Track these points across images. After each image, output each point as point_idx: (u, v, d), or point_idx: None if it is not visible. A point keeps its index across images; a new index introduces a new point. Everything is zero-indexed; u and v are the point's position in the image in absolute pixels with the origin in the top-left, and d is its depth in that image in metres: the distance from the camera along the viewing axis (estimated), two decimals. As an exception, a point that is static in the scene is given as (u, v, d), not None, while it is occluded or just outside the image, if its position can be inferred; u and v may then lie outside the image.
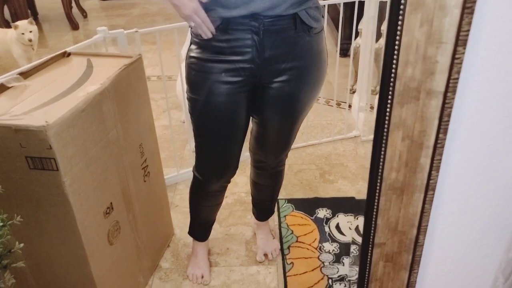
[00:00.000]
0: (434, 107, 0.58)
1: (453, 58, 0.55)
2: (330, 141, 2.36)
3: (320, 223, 1.82)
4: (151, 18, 4.74)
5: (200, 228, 1.59)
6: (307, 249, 1.70)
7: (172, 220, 1.80)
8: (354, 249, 1.68)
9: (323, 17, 1.20)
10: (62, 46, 3.86)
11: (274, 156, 1.43)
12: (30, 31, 2.89)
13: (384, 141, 0.61)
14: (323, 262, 1.64)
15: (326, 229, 1.79)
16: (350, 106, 2.65)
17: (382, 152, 0.62)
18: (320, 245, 1.71)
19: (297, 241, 1.74)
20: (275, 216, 1.85)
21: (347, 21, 3.07)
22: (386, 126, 0.59)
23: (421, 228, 0.68)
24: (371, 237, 0.69)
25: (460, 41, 0.54)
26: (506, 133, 0.63)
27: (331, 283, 1.55)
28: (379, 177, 0.64)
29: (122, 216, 1.37)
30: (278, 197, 1.83)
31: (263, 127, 1.33)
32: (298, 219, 1.85)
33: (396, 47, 0.54)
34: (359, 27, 2.76)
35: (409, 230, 0.68)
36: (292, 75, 1.17)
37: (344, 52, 3.40)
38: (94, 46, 1.66)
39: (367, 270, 0.72)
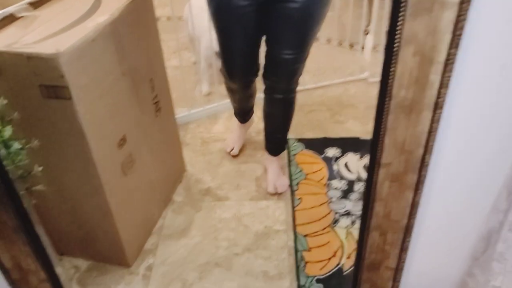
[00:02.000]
0: (448, 19, 0.57)
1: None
2: (342, 82, 2.34)
3: (329, 161, 1.84)
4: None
5: (239, 112, 1.85)
6: (316, 185, 1.74)
7: (184, 158, 1.84)
8: (361, 186, 1.71)
9: None
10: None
11: (286, 79, 1.50)
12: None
13: (394, 57, 0.61)
14: (330, 198, 1.67)
15: (335, 167, 1.81)
16: (363, 47, 2.59)
17: (392, 69, 0.62)
18: (328, 182, 1.75)
19: (305, 178, 1.77)
20: (284, 154, 1.87)
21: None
22: (397, 40, 0.59)
23: (428, 147, 0.68)
24: (378, 156, 0.70)
25: None
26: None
27: (337, 218, 1.60)
28: (388, 95, 0.64)
29: (135, 148, 1.40)
30: (288, 136, 1.85)
31: (276, 45, 1.42)
32: (307, 157, 1.87)
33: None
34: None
35: (416, 150, 0.69)
36: None
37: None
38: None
39: (373, 189, 0.74)
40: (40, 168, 0.99)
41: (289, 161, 1.86)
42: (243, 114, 1.87)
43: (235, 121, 1.92)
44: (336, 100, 2.22)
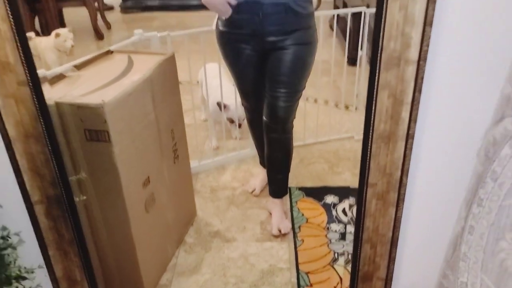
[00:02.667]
0: (411, 72, 0.79)
1: (423, 35, 0.76)
2: (338, 138, 2.57)
3: (328, 207, 2.01)
4: (171, 29, 5.02)
5: (261, 154, 2.10)
6: (316, 228, 1.90)
7: (195, 202, 2.01)
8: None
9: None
10: (89, 54, 4.14)
11: (281, 117, 1.76)
12: (71, 38, 3.18)
13: (374, 99, 0.82)
14: (330, 240, 1.83)
15: (334, 212, 1.98)
16: (356, 108, 2.85)
17: (373, 107, 0.83)
18: (327, 225, 1.91)
19: (307, 222, 1.93)
20: (287, 200, 2.05)
21: (355, 31, 3.30)
22: (376, 86, 0.80)
23: (404, 170, 0.88)
24: (366, 178, 0.89)
25: (427, 22, 0.75)
26: (466, 90, 0.84)
27: (336, 257, 1.74)
28: (371, 128, 0.85)
29: (156, 189, 1.59)
30: (290, 185, 2.05)
31: (272, 86, 1.71)
32: (308, 204, 2.05)
33: (382, 27, 0.75)
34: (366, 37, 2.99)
35: (395, 172, 0.88)
36: (287, 43, 1.62)
37: (352, 61, 3.62)
38: (131, 46, 1.90)
39: (363, 207, 0.92)
40: (84, 198, 1.17)
41: (291, 207, 2.03)
42: (262, 157, 2.10)
43: (259, 167, 2.21)
44: (333, 154, 2.43)
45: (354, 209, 1.99)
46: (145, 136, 1.48)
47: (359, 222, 0.95)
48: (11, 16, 0.71)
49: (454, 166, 0.90)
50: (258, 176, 2.20)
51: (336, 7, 4.77)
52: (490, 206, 0.78)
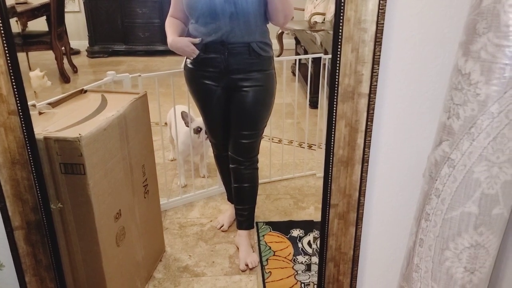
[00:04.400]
0: (363, 103, 0.91)
1: (372, 72, 0.89)
2: (303, 176, 2.69)
3: (294, 240, 2.09)
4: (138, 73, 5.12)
5: (229, 190, 2.14)
6: (283, 261, 1.96)
7: (164, 238, 2.03)
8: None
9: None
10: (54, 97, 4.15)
11: (245, 153, 1.88)
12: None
13: (333, 127, 0.93)
14: (296, 271, 1.89)
15: (299, 245, 2.06)
16: (319, 147, 3.00)
17: (333, 135, 0.94)
18: (294, 257, 1.98)
19: (274, 255, 1.99)
20: (254, 235, 2.11)
21: (315, 76, 3.52)
22: (334, 117, 0.92)
23: (361, 191, 0.98)
24: (328, 199, 0.99)
25: (375, 61, 0.88)
26: (412, 120, 0.97)
27: (303, 287, 1.80)
28: (331, 154, 0.95)
29: (127, 223, 1.62)
30: (257, 220, 2.12)
31: (235, 125, 1.85)
32: (275, 237, 2.12)
33: (337, 65, 0.88)
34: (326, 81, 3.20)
35: (353, 194, 0.98)
36: (249, 84, 1.76)
37: (314, 105, 3.83)
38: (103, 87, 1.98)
39: (326, 227, 1.01)
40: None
41: (259, 240, 2.09)
42: (229, 192, 2.17)
43: (227, 203, 2.28)
44: (298, 190, 2.54)
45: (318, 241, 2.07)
46: (118, 170, 1.53)
47: (323, 241, 1.04)
48: (7, 52, 0.78)
49: (404, 186, 1.01)
50: (226, 212, 2.26)
51: (297, 54, 5.06)
52: (435, 220, 0.88)
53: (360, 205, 1.00)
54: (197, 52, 1.74)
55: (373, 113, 0.92)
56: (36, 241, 0.96)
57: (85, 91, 1.79)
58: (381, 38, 0.87)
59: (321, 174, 2.68)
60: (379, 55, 0.88)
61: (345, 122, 0.93)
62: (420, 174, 0.93)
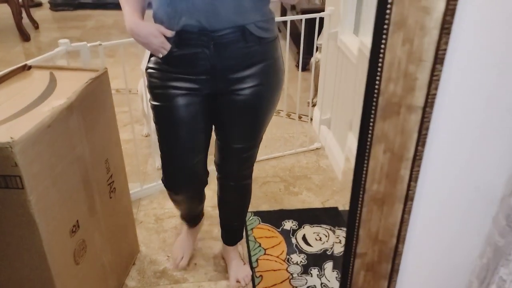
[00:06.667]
0: (414, 121, 0.61)
1: (432, 75, 0.59)
2: (293, 153, 2.40)
3: (287, 235, 1.83)
4: (107, 30, 4.64)
5: (187, 217, 1.66)
6: (275, 261, 1.71)
7: (137, 237, 1.75)
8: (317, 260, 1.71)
9: (279, 29, 1.27)
10: (12, 58, 3.70)
11: (239, 167, 1.43)
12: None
13: (366, 154, 0.63)
14: (291, 274, 1.65)
15: (293, 240, 1.80)
16: (311, 119, 2.71)
17: (365, 165, 0.64)
18: (288, 256, 1.73)
19: (265, 254, 1.74)
20: (243, 239, 1.84)
21: (307, 36, 3.16)
22: (369, 139, 0.62)
23: (400, 237, 0.70)
24: (353, 247, 0.71)
25: (439, 59, 0.58)
26: (478, 145, 0.67)
27: (300, 295, 1.57)
28: (361, 189, 0.66)
29: (88, 234, 1.32)
30: (245, 210, 1.84)
31: (225, 136, 1.35)
32: (265, 231, 1.86)
33: (380, 64, 0.57)
34: (318, 42, 2.85)
35: (389, 240, 0.71)
36: (248, 83, 1.23)
37: (304, 67, 3.49)
38: (54, 59, 1.61)
39: (349, 280, 0.74)
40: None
41: (247, 235, 1.83)
42: (192, 218, 1.69)
43: (181, 224, 1.71)
44: (289, 172, 2.26)
45: (315, 236, 1.82)
46: (71, 174, 1.21)
47: (342, 296, 0.77)
48: None
49: (461, 233, 0.74)
50: (182, 238, 1.72)
51: (282, 7, 4.61)
52: (513, 289, 0.62)
53: (397, 254, 0.73)
54: (168, 46, 1.18)
55: (426, 134, 0.63)
56: None
57: (29, 68, 1.43)
58: (451, 24, 0.56)
59: (313, 146, 2.40)
60: (445, 50, 0.57)
61: (385, 147, 0.63)
62: (486, 218, 0.65)
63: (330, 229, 1.86)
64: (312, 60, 2.84)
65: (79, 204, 1.27)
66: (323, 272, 1.65)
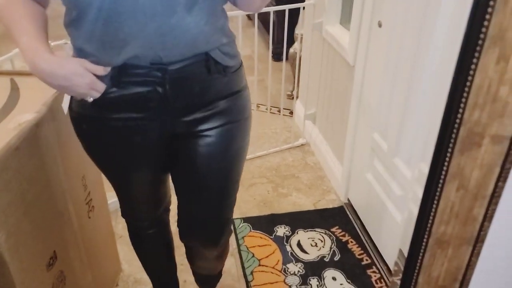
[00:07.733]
0: (498, 153, 0.50)
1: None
2: (278, 151, 2.28)
3: (281, 242, 1.72)
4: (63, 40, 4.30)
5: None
6: (271, 272, 1.60)
7: (118, 255, 1.59)
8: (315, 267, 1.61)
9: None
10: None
11: (210, 240, 1.13)
12: None
13: (437, 192, 0.52)
14: (290, 286, 1.54)
15: (288, 248, 1.70)
16: (291, 112, 2.59)
17: (434, 204, 0.53)
18: (284, 266, 1.62)
19: (259, 265, 1.62)
20: (233, 240, 1.71)
21: (279, 25, 3.01)
22: (442, 176, 0.50)
23: (464, 282, 0.60)
24: (409, 295, 0.60)
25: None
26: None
27: (301, 309, 1.47)
28: (426, 231, 0.55)
29: (66, 264, 1.16)
30: (234, 217, 1.71)
31: (188, 194, 1.07)
32: (257, 239, 1.74)
33: (466, 88, 0.45)
34: (296, 32, 2.71)
35: (451, 285, 0.60)
36: (213, 122, 0.97)
37: (277, 57, 3.35)
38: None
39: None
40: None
41: (238, 245, 1.70)
42: (168, 283, 1.42)
43: None
44: (275, 171, 2.14)
45: (311, 242, 1.72)
46: (45, 199, 1.04)
47: None
48: None
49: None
50: None
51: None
52: None
53: (458, 300, 0.62)
54: (102, 88, 0.88)
55: (510, 168, 0.52)
56: None
57: (-15, 73, 1.22)
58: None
59: (298, 142, 2.28)
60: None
61: (459, 184, 0.52)
62: None
63: (325, 233, 1.77)
64: (291, 50, 2.71)
65: (56, 232, 1.10)
66: (323, 282, 1.55)
